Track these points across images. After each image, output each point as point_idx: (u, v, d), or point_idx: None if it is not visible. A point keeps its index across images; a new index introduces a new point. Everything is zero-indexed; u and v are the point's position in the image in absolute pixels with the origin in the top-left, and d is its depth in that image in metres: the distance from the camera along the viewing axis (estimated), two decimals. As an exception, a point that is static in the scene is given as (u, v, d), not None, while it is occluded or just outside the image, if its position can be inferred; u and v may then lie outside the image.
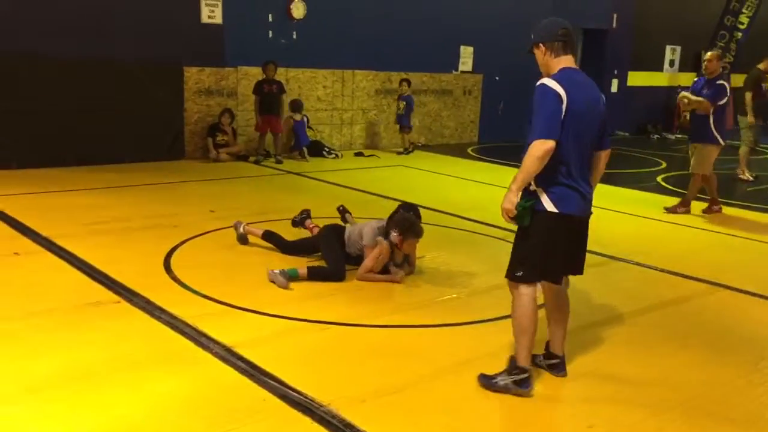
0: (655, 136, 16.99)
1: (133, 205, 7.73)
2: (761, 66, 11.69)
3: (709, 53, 8.40)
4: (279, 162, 10.86)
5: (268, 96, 10.74)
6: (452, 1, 13.32)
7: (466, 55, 13.99)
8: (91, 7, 9.61)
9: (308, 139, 11.56)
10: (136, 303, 4.78)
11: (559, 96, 3.49)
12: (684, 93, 8.41)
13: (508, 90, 14.47)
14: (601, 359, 4.28)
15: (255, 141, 11.12)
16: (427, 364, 4.09)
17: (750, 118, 11.27)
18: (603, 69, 16.68)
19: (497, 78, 14.38)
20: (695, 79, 8.67)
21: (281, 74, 11.20)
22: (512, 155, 12.36)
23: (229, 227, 6.55)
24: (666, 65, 18.30)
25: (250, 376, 3.78)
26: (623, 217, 8.30)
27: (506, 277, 3.79)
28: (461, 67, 14.03)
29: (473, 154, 13.01)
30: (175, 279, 5.32)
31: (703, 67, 8.40)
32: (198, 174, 9.76)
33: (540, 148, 3.45)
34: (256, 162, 10.82)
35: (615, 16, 16.52)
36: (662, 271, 6.15)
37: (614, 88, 17.06)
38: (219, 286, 5.15)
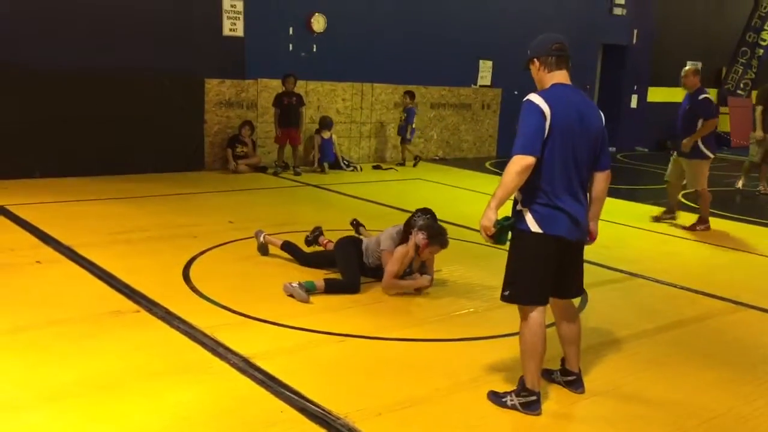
0: (675, 152, 16.84)
1: (153, 215, 7.79)
2: None
3: (685, 68, 8.37)
4: (297, 174, 10.91)
5: (288, 108, 10.80)
6: (472, 15, 13.36)
7: (485, 70, 14.01)
8: (113, 18, 9.74)
9: (334, 156, 11.58)
10: (155, 313, 4.81)
11: (543, 112, 3.44)
12: (683, 142, 8.27)
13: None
14: (620, 376, 4.24)
15: (274, 153, 11.18)
16: (444, 378, 4.07)
17: (758, 132, 11.25)
18: (623, 84, 16.66)
19: (516, 92, 14.35)
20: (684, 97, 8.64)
21: (301, 87, 11.27)
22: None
23: (248, 238, 6.59)
24: None
25: (268, 388, 3.79)
26: (643, 234, 8.24)
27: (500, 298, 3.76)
28: (480, 82, 14.04)
29: (491, 168, 13.00)
30: (193, 289, 5.35)
31: (682, 84, 8.39)
32: (217, 185, 9.83)
33: (518, 164, 3.40)
34: (275, 174, 10.88)
35: (635, 31, 16.48)
36: (683, 288, 6.10)
37: (634, 104, 17.00)
38: (237, 297, 5.17)
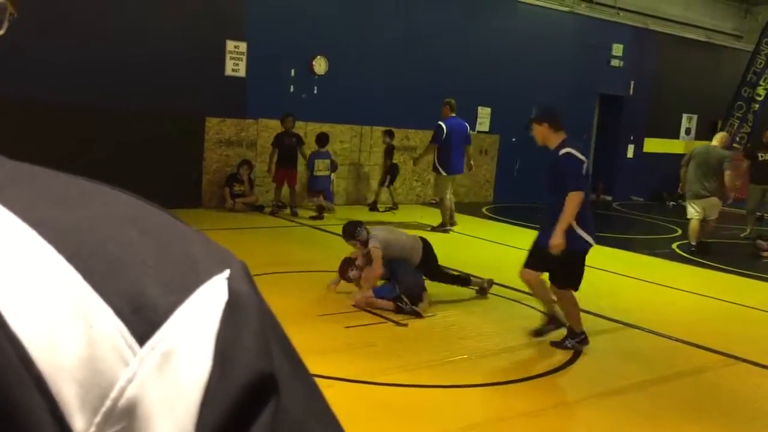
0: (671, 202, 16.95)
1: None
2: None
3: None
4: (294, 214, 10.92)
5: (288, 149, 10.83)
6: (471, 62, 13.54)
7: (484, 116, 14.15)
8: (117, 58, 9.85)
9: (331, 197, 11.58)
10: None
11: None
12: None
13: (525, 151, 14.58)
14: (616, 428, 4.18)
15: (272, 192, 11.20)
16: (434, 426, 4.01)
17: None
18: (619, 135, 16.83)
19: (514, 140, 14.50)
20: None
21: (300, 128, 11.36)
22: (526, 216, 12.40)
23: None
24: (682, 133, 18.41)
25: None
26: (636, 283, 8.20)
27: None
28: (478, 128, 14.17)
29: (488, 213, 13.03)
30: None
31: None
32: (213, 223, 9.82)
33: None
34: (272, 213, 10.89)
35: (632, 83, 16.71)
36: (677, 340, 6.05)
37: (630, 154, 17.15)
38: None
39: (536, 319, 6.33)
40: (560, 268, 5.27)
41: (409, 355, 5.19)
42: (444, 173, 10.45)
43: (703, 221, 10.16)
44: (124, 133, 9.97)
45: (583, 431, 4.05)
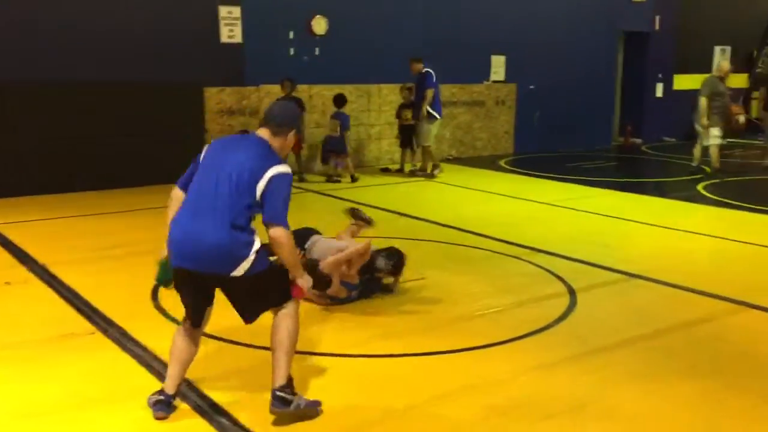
0: (705, 141, 16.17)
1: (141, 229, 7.61)
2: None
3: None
4: (302, 180, 10.69)
5: (289, 114, 10.53)
6: (481, 10, 12.97)
7: (498, 65, 13.60)
8: (108, 30, 9.65)
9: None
10: (110, 334, 4.61)
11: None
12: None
13: (545, 99, 14.04)
14: (597, 390, 3.88)
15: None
16: (403, 395, 3.78)
17: (704, 121, 11.19)
18: (645, 73, 16.06)
19: (532, 87, 13.94)
20: None
21: (304, 91, 11.07)
22: (546, 166, 11.96)
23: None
24: (715, 67, 17.47)
25: (204, 414, 3.55)
26: (653, 230, 7.76)
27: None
28: (493, 77, 13.64)
29: (506, 166, 12.60)
30: (158, 308, 5.14)
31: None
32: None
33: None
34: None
35: (657, 18, 15.87)
36: (683, 288, 5.65)
37: (659, 93, 16.37)
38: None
39: (535, 275, 6.01)
40: None
41: (392, 324, 4.93)
42: (438, 117, 11.02)
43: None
44: (122, 106, 9.78)
45: (560, 394, 3.75)
